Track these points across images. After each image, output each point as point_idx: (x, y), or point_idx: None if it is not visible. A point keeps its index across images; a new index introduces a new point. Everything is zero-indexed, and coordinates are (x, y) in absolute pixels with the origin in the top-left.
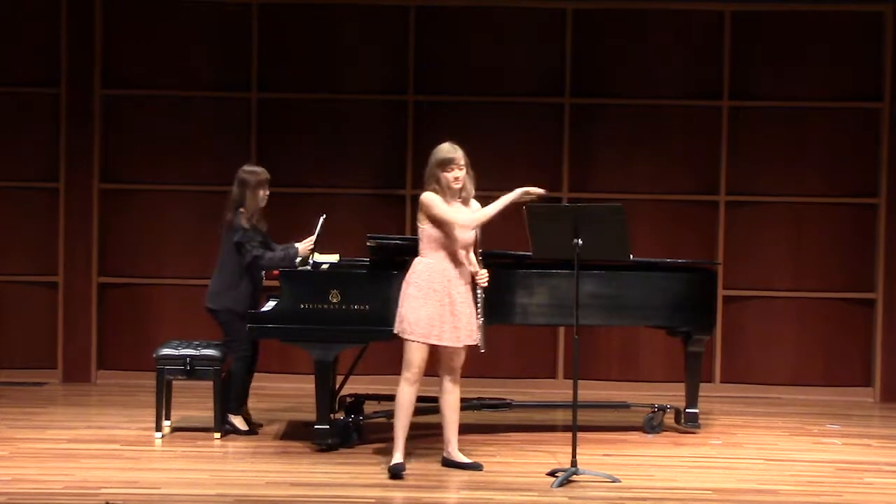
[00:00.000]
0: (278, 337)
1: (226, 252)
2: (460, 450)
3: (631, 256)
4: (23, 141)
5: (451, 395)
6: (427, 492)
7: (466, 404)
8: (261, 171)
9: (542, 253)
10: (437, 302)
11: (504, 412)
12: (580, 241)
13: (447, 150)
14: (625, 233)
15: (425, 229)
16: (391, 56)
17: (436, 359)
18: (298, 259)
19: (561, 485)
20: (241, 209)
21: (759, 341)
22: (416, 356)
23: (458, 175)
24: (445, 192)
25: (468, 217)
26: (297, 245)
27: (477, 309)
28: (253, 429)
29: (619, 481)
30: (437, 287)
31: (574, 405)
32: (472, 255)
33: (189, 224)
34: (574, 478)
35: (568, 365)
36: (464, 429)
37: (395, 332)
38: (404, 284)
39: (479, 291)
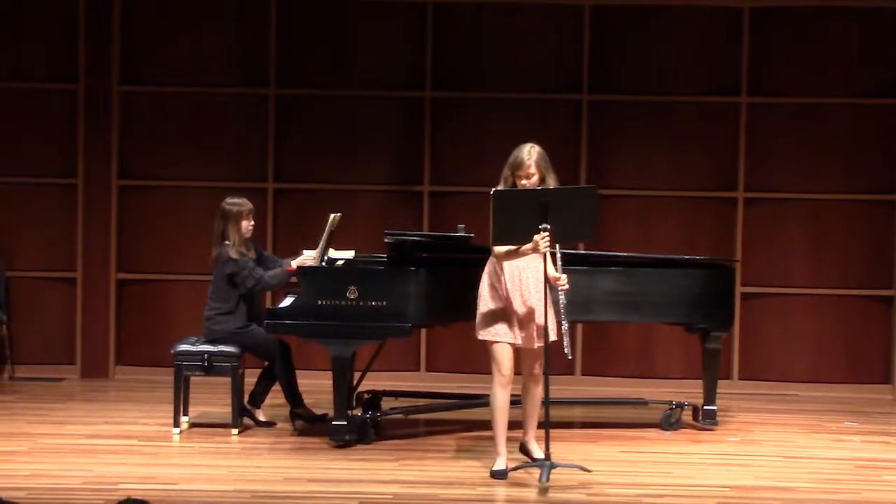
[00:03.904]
0: (296, 333)
1: (217, 283)
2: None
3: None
4: (41, 137)
5: (532, 390)
6: (440, 488)
7: (477, 401)
8: (243, 203)
9: (503, 240)
10: (504, 302)
11: (515, 409)
12: (549, 226)
13: (516, 153)
14: (594, 213)
15: None
16: (408, 52)
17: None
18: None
19: (547, 478)
20: (227, 242)
21: (778, 338)
22: (501, 356)
23: (525, 183)
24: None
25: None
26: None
27: (562, 313)
28: (270, 421)
29: (591, 472)
30: (502, 287)
31: (546, 402)
32: (549, 257)
33: (207, 220)
34: (530, 469)
35: (584, 361)
36: (472, 425)
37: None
38: (480, 287)
39: (560, 295)
